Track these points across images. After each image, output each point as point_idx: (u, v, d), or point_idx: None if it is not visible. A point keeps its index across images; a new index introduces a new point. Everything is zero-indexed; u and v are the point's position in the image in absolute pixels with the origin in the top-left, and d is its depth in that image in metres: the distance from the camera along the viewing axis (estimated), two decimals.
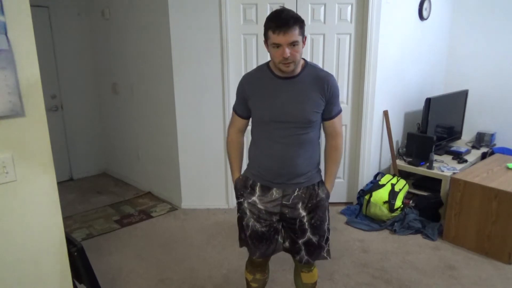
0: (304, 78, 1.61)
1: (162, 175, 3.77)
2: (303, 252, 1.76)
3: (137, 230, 3.19)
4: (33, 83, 1.28)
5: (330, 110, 1.66)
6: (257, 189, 1.72)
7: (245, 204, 1.75)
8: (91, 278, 1.49)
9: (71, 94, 4.26)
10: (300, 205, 1.70)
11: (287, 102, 1.60)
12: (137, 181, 4.18)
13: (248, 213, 1.75)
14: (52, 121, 3.90)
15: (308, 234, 1.72)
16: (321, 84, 1.61)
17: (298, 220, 1.71)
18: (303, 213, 1.70)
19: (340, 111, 1.70)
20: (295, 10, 3.19)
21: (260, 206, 1.72)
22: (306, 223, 1.71)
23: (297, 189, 1.69)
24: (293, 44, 1.47)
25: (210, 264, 2.65)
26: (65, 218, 3.29)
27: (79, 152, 4.43)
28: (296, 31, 1.46)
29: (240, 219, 1.80)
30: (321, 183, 1.76)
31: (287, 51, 1.46)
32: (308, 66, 1.64)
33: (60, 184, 1.22)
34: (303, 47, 1.53)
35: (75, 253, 1.44)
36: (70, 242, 1.47)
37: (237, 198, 1.81)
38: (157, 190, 3.91)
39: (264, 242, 1.76)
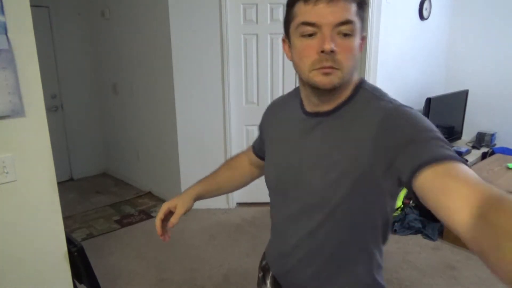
0: (349, 116, 0.81)
1: (162, 175, 3.77)
2: None
3: (137, 230, 3.19)
4: (33, 83, 1.28)
5: (415, 161, 0.68)
6: (269, 281, 1.06)
7: None
8: (91, 278, 1.49)
9: (71, 94, 4.26)
10: None
11: (306, 159, 0.85)
12: (137, 181, 4.18)
13: None
14: (52, 121, 3.89)
15: None
16: (370, 128, 0.76)
17: None
18: None
19: (451, 156, 0.67)
20: None
21: None
22: None
23: None
24: (344, 28, 0.73)
25: (210, 264, 2.65)
26: (65, 218, 3.29)
27: (79, 152, 4.43)
28: (352, 6, 0.74)
29: None
30: None
31: (330, 40, 0.72)
32: (362, 88, 0.83)
33: (60, 184, 1.22)
34: (360, 51, 0.79)
35: (75, 253, 1.43)
36: (70, 242, 1.47)
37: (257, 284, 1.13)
38: (157, 190, 3.90)
39: None
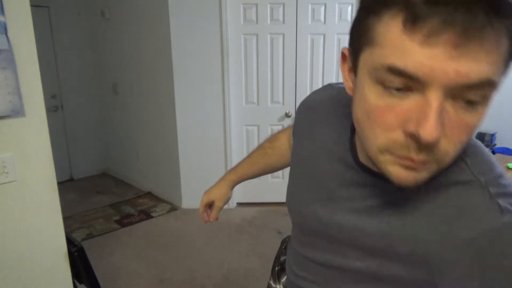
0: (427, 195, 0.50)
1: (162, 175, 3.77)
2: None
3: (137, 230, 3.19)
4: (33, 83, 1.28)
5: None
6: (283, 281, 0.93)
7: None
8: (91, 278, 1.49)
9: (71, 94, 4.26)
10: None
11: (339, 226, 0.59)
12: (137, 181, 4.18)
13: None
14: (52, 121, 3.89)
15: None
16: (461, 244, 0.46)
17: None
18: None
19: None
20: (295, 10, 3.22)
21: None
22: None
23: None
24: (473, 94, 0.39)
25: (210, 264, 2.65)
26: (65, 218, 3.28)
27: (79, 152, 4.43)
28: (501, 46, 0.37)
29: None
30: None
31: (437, 123, 0.38)
32: (460, 162, 0.50)
33: (60, 184, 1.22)
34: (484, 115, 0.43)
35: (75, 253, 1.43)
36: (70, 242, 1.47)
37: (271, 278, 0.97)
38: (157, 190, 3.90)
39: None
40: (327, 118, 0.65)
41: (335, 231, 0.59)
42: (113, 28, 3.94)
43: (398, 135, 0.42)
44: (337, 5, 3.16)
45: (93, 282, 1.48)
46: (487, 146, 3.94)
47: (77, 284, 1.59)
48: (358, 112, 0.46)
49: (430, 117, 0.38)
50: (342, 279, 0.61)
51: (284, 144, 0.93)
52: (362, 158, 0.56)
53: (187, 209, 3.53)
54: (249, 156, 1.00)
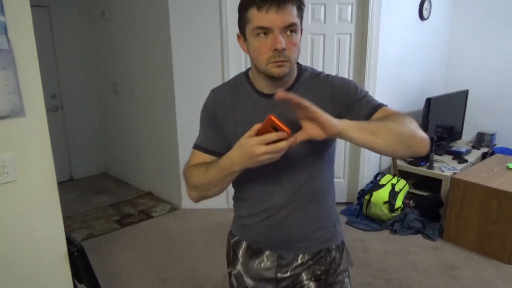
0: (301, 90, 1.02)
1: (162, 175, 3.77)
2: None
3: (137, 230, 3.19)
4: (33, 83, 1.28)
5: (363, 110, 0.99)
6: (240, 251, 1.19)
7: (233, 277, 1.22)
8: (91, 278, 1.49)
9: (71, 94, 4.26)
10: (304, 275, 1.13)
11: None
12: (137, 181, 4.17)
13: None
14: (52, 121, 3.89)
15: None
16: (325, 92, 1.02)
17: None
18: (310, 285, 1.14)
19: (380, 104, 1.01)
20: None
21: (247, 280, 1.18)
22: None
23: (301, 255, 1.13)
24: (291, 29, 0.93)
25: (210, 264, 2.65)
26: (65, 218, 3.28)
27: (79, 152, 4.42)
28: (294, 10, 0.93)
29: None
30: (343, 247, 1.19)
31: (282, 39, 0.91)
32: (303, 70, 1.07)
33: (60, 184, 1.22)
34: (300, 42, 0.99)
35: (75, 253, 1.43)
36: (70, 242, 1.47)
37: (227, 266, 1.26)
38: (157, 190, 3.90)
39: None
40: (231, 92, 1.12)
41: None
42: (113, 28, 3.94)
43: (269, 53, 0.93)
44: (337, 5, 3.16)
45: (93, 282, 1.48)
46: (487, 146, 3.94)
47: (77, 284, 1.59)
48: (252, 54, 0.98)
49: (278, 39, 0.91)
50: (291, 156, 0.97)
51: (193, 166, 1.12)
52: (266, 91, 1.04)
53: (187, 209, 3.53)
54: (204, 172, 1.05)
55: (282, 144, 0.81)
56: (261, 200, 1.10)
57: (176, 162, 3.48)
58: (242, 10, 0.96)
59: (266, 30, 0.92)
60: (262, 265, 1.14)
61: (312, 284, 1.13)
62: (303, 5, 0.98)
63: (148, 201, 3.78)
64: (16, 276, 1.35)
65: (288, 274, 1.13)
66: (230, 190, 1.22)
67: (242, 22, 0.97)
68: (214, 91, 1.17)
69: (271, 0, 0.89)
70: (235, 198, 1.23)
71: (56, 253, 1.43)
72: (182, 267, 2.62)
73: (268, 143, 0.82)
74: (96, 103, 4.50)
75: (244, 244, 1.17)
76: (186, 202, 3.55)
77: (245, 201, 1.16)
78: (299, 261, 1.12)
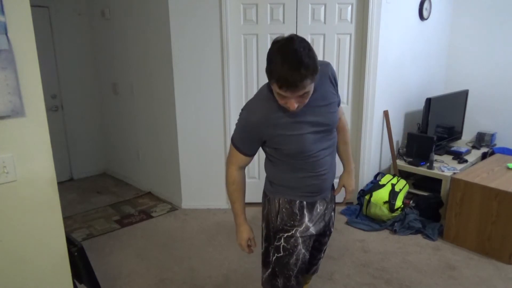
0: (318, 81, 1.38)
1: (162, 175, 3.77)
2: (319, 263, 1.77)
3: (137, 230, 3.19)
4: (33, 83, 1.28)
5: (338, 100, 1.51)
6: (305, 210, 1.52)
7: (297, 234, 1.49)
8: (91, 278, 1.49)
9: (71, 94, 4.26)
10: (332, 213, 1.66)
11: (316, 118, 1.38)
12: (137, 181, 4.18)
13: (300, 245, 1.50)
14: (52, 121, 3.90)
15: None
16: (328, 77, 1.43)
17: (328, 232, 1.68)
18: (331, 222, 1.66)
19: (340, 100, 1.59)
20: (295, 10, 3.21)
21: (312, 230, 1.52)
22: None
23: (330, 195, 1.61)
24: (303, 95, 1.23)
25: (210, 264, 2.65)
26: (65, 218, 3.29)
27: (79, 152, 4.43)
28: (307, 83, 1.18)
29: (285, 258, 1.50)
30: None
31: (295, 104, 1.24)
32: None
33: (60, 184, 1.21)
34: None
35: (75, 253, 1.44)
36: (70, 242, 1.47)
37: (283, 232, 1.51)
38: (157, 190, 3.90)
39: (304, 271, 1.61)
40: (264, 103, 1.37)
41: (321, 119, 1.42)
42: (113, 28, 3.94)
43: (285, 106, 1.28)
44: (337, 5, 3.16)
45: (93, 282, 1.48)
46: (487, 146, 3.94)
47: (77, 284, 1.59)
48: (277, 98, 1.28)
49: (292, 105, 1.25)
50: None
51: (242, 174, 1.52)
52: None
53: (187, 209, 3.53)
54: (233, 201, 1.54)
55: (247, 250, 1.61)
56: (319, 165, 1.47)
57: (176, 162, 3.48)
58: (268, 71, 1.22)
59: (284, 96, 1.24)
60: (318, 210, 1.53)
61: (331, 211, 1.64)
62: (317, 70, 1.20)
63: (148, 201, 3.78)
64: (16, 276, 1.35)
65: (328, 208, 1.58)
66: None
67: (268, 74, 1.23)
68: (252, 111, 1.38)
69: (288, 84, 1.16)
70: (284, 170, 1.49)
71: (56, 253, 1.43)
72: (182, 267, 2.62)
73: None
74: (96, 103, 4.50)
75: (305, 203, 1.49)
76: (186, 202, 3.56)
77: (301, 171, 1.46)
78: (329, 197, 1.58)
